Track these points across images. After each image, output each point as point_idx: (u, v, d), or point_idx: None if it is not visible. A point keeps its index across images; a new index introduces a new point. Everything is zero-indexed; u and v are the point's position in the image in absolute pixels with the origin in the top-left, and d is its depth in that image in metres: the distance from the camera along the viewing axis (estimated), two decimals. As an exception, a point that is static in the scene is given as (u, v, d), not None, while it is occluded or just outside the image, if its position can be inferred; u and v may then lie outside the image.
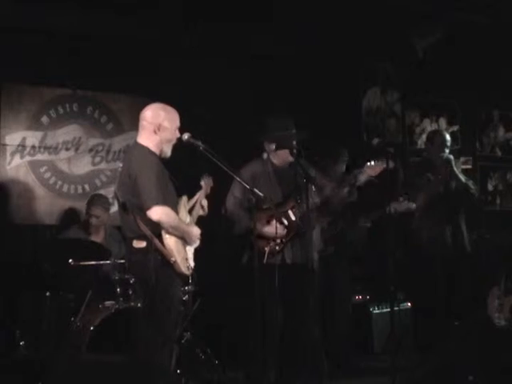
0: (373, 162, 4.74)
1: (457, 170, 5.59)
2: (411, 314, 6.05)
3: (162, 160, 3.95)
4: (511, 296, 5.07)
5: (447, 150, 5.60)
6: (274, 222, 4.49)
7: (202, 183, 4.34)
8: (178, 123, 4.00)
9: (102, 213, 5.32)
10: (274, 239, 4.54)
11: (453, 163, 5.58)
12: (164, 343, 3.83)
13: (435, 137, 5.76)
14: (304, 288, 4.46)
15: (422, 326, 5.60)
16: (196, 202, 4.22)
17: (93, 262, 4.82)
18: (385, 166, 4.66)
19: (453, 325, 5.38)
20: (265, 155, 4.78)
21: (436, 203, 5.48)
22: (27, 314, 4.81)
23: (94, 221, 5.32)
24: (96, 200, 5.39)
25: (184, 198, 4.12)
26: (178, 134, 4.00)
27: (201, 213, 4.27)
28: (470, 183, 5.67)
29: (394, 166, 4.73)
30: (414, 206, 5.42)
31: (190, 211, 4.19)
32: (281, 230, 4.51)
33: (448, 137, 5.70)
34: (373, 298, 6.25)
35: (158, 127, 3.91)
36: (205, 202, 4.28)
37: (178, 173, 4.04)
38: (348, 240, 5.57)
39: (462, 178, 5.61)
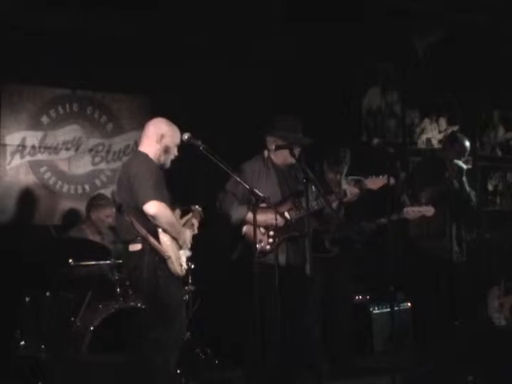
0: (374, 176, 4.71)
1: (465, 180, 5.58)
2: (411, 314, 6.05)
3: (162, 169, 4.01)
4: (511, 296, 5.08)
5: (463, 159, 5.59)
6: (271, 212, 4.45)
7: (194, 210, 4.30)
8: (178, 140, 4.08)
9: (112, 213, 5.30)
10: (268, 228, 4.51)
11: (464, 172, 5.56)
12: (171, 344, 3.84)
13: (458, 144, 5.67)
14: (299, 289, 4.44)
15: (422, 326, 5.60)
16: (188, 221, 4.22)
17: (93, 262, 4.83)
18: (386, 181, 4.62)
19: (453, 325, 5.39)
20: (266, 153, 4.74)
21: (439, 204, 5.46)
22: (27, 314, 4.81)
23: (106, 221, 5.31)
24: (106, 201, 5.37)
25: (177, 211, 4.13)
26: (176, 152, 4.08)
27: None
28: (473, 195, 5.66)
29: (394, 181, 4.67)
30: (432, 210, 5.09)
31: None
32: (278, 219, 4.42)
33: (468, 146, 5.66)
34: (373, 297, 6.25)
35: (160, 137, 4.02)
36: (195, 222, 4.26)
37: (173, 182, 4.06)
38: (352, 242, 5.54)
39: (467, 188, 5.60)
